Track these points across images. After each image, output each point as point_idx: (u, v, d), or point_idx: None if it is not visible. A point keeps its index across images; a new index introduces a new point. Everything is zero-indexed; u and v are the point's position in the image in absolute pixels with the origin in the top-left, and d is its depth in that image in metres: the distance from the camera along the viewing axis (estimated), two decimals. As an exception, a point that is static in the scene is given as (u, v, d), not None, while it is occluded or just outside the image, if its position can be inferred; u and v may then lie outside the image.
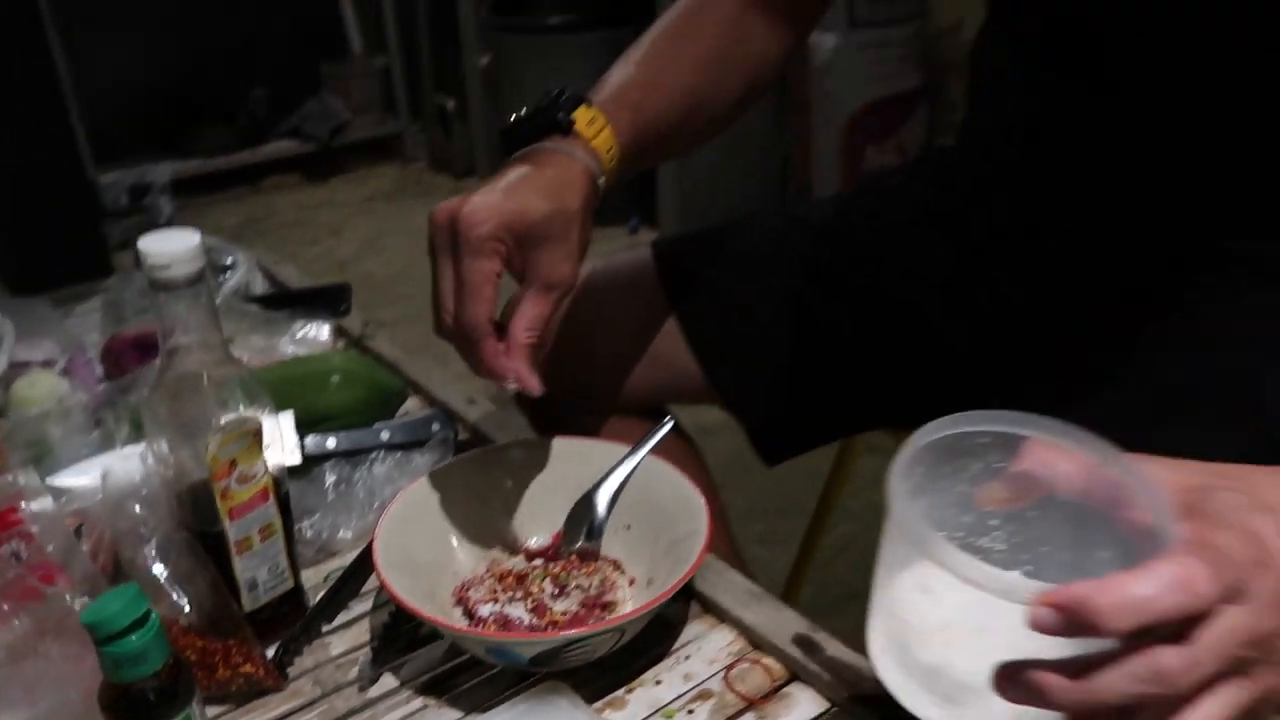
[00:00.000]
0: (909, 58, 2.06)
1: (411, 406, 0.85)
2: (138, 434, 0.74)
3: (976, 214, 0.73)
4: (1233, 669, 0.34)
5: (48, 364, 0.91)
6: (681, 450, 0.83)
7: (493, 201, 0.56)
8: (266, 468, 0.57)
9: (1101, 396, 0.60)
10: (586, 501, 0.64)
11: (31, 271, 1.15)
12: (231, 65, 3.23)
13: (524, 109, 0.64)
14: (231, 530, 0.57)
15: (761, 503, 1.50)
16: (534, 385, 0.57)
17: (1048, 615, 0.33)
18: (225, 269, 1.10)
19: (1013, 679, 0.36)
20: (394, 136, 3.25)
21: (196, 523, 0.57)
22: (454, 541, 0.64)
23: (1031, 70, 0.68)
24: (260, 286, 1.12)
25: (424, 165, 3.17)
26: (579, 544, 0.64)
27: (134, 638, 0.45)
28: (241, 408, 0.56)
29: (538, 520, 0.66)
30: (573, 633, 0.52)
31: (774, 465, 0.84)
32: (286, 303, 1.03)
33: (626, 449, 0.65)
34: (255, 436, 0.56)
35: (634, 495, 0.63)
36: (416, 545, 0.61)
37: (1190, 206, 0.61)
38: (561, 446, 0.67)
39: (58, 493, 0.65)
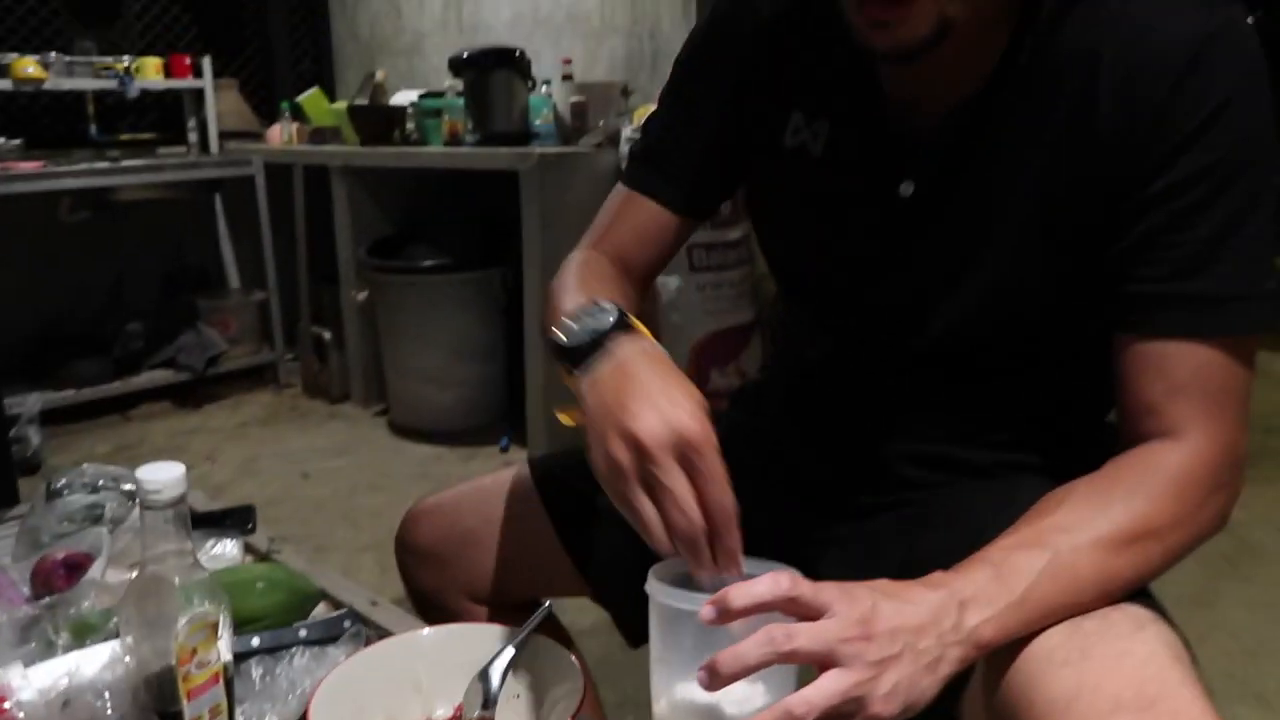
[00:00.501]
0: (742, 296, 2.39)
1: (322, 609, 0.97)
2: (78, 641, 0.84)
3: (776, 431, 0.96)
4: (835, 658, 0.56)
5: (-32, 588, 0.99)
6: (558, 634, 0.98)
7: (648, 420, 0.62)
8: (220, 655, 0.70)
9: (867, 557, 0.81)
10: (481, 677, 0.78)
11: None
12: (108, 300, 3.35)
13: (571, 326, 0.71)
14: (188, 709, 0.68)
15: (633, 696, 1.62)
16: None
17: (708, 610, 0.57)
18: (136, 495, 1.21)
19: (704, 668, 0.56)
20: (268, 365, 3.39)
21: (158, 704, 0.68)
22: (372, 718, 0.76)
23: (804, 325, 0.93)
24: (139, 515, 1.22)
25: (298, 391, 3.29)
26: (477, 714, 0.78)
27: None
28: (206, 604, 0.69)
29: (440, 696, 0.80)
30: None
31: (637, 647, 0.99)
32: (198, 523, 1.15)
33: (512, 632, 0.80)
34: (213, 628, 0.69)
35: (521, 668, 0.78)
36: (341, 720, 0.73)
37: (921, 426, 0.85)
38: (456, 633, 0.82)
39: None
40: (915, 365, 0.84)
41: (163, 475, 0.67)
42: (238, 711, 0.79)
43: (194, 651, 0.68)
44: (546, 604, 0.83)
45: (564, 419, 0.74)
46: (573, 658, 0.77)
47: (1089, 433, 0.87)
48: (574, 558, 0.98)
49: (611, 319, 0.70)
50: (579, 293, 0.78)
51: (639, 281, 0.92)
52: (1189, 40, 0.67)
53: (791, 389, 0.97)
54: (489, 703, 0.77)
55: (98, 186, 3.02)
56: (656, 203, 0.91)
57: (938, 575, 0.63)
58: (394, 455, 2.70)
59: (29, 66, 3.03)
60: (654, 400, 0.63)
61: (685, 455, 0.62)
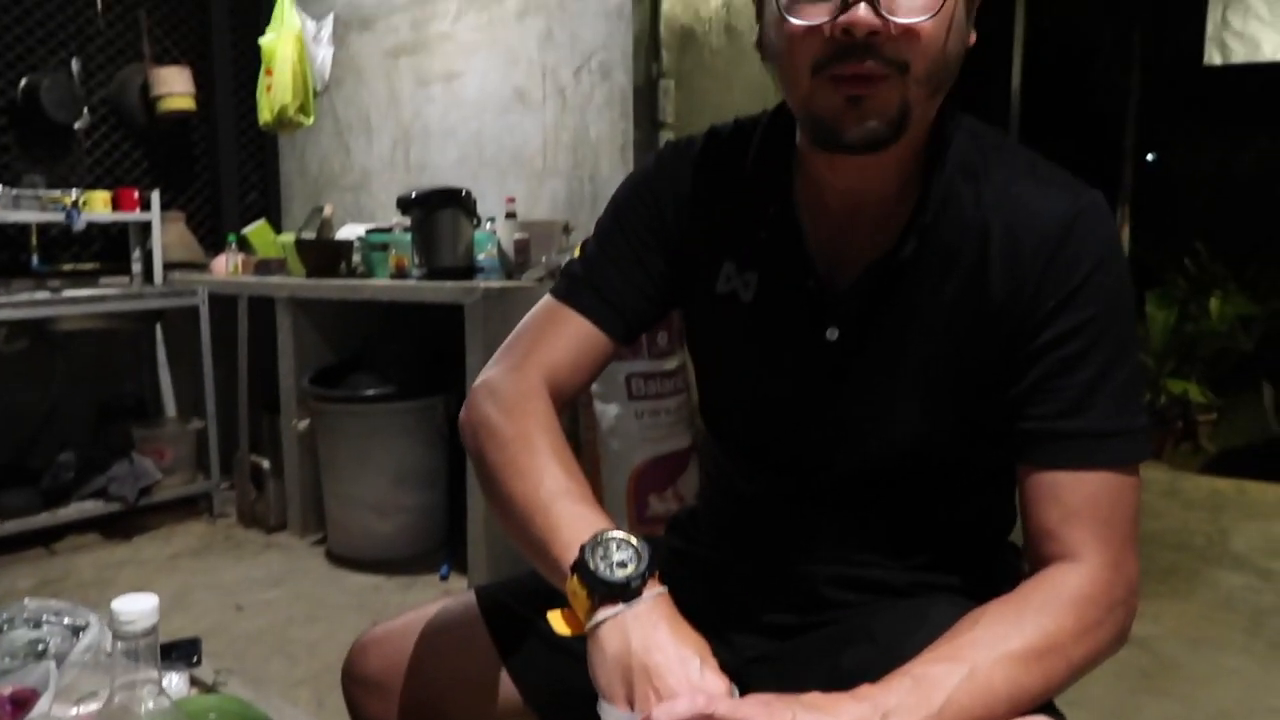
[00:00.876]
0: (679, 422, 2.48)
1: (271, 740, 0.98)
2: (27, 778, 0.84)
3: (711, 557, 1.02)
4: None
5: (-89, 726, 0.98)
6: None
7: (681, 693, 0.68)
8: (181, 783, 0.72)
9: (796, 674, 0.87)
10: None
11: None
12: (40, 429, 3.30)
13: (599, 563, 0.74)
14: (148, 839, 0.70)
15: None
16: None
17: None
18: (80, 629, 1.21)
19: None
20: (203, 495, 3.35)
21: (118, 835, 0.70)
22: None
23: (732, 456, 1.01)
24: (110, 644, 1.22)
25: (232, 521, 3.25)
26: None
27: None
28: (168, 732, 0.72)
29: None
30: None
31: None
32: (143, 657, 1.15)
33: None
34: (176, 755, 0.71)
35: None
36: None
37: (844, 550, 0.92)
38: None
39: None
40: (838, 495, 0.92)
41: (138, 606, 0.71)
42: (190, 844, 0.80)
43: (157, 780, 0.70)
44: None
45: (556, 625, 0.77)
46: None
47: (996, 552, 0.96)
48: (521, 687, 1.01)
49: (644, 566, 0.74)
50: (566, 479, 0.82)
51: (564, 405, 0.94)
52: (1061, 218, 0.80)
53: (722, 517, 1.05)
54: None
55: (37, 318, 3.02)
56: (591, 322, 0.94)
57: (863, 689, 0.70)
58: (331, 585, 2.68)
59: (-26, 198, 3.07)
60: (674, 669, 0.69)
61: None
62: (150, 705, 0.72)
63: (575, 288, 0.96)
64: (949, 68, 0.79)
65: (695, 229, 0.95)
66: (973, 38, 0.83)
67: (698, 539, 1.08)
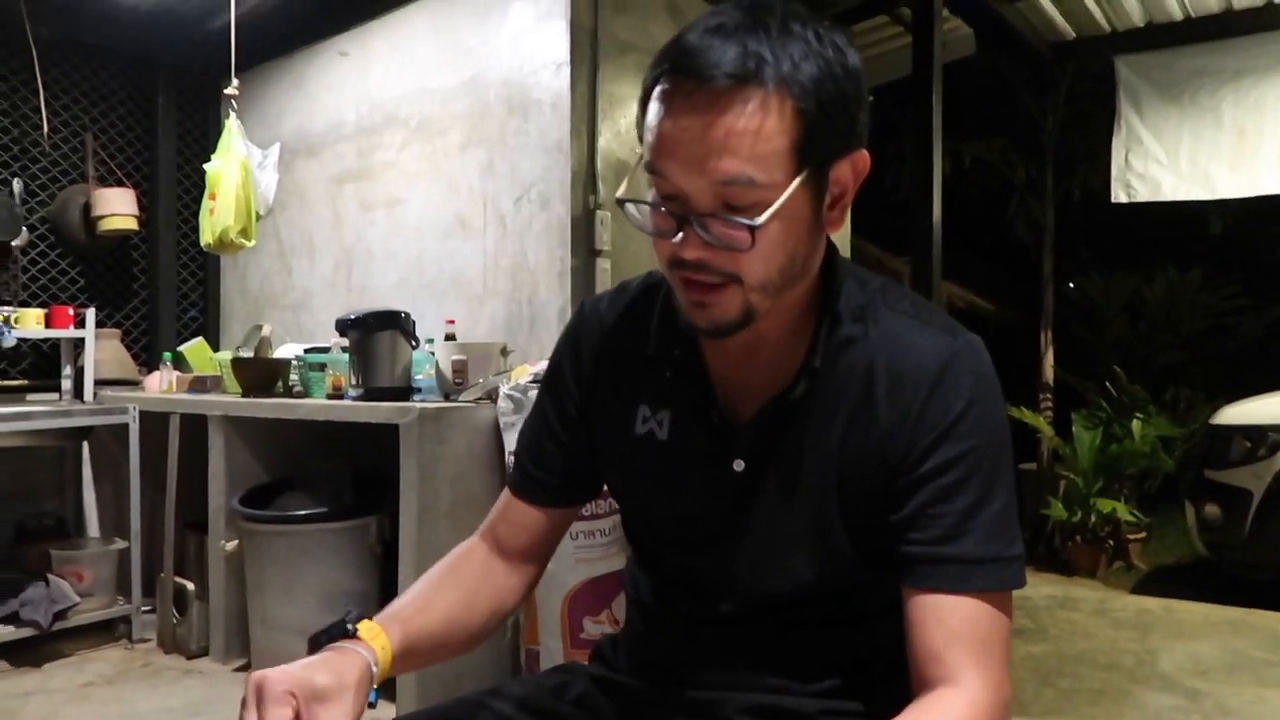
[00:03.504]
0: (613, 544, 2.49)
1: None
2: None
3: (630, 683, 1.04)
4: None
5: None
6: None
7: (289, 669, 0.80)
8: None
9: None
10: None
11: None
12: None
13: (326, 625, 0.90)
14: None
15: None
16: None
17: None
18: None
19: None
20: (121, 618, 3.22)
21: None
22: None
23: (650, 584, 1.04)
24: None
25: (152, 646, 3.12)
26: None
27: None
28: None
29: None
30: None
31: None
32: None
33: None
34: None
35: None
36: None
37: (755, 677, 0.95)
38: None
39: None
40: (748, 620, 0.96)
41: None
42: None
43: None
44: None
45: None
46: None
47: (904, 677, 0.99)
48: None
49: (336, 632, 0.89)
50: (407, 594, 1.01)
51: (525, 561, 1.09)
52: (940, 355, 0.88)
53: (641, 642, 1.07)
54: None
55: (-43, 434, 2.95)
56: (529, 504, 1.07)
57: None
58: (252, 716, 2.57)
59: (-97, 314, 3.04)
60: (294, 664, 0.82)
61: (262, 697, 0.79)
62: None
63: (514, 477, 1.10)
64: (791, 268, 0.86)
65: (612, 376, 1.03)
66: (864, 163, 0.88)
67: (618, 666, 1.10)
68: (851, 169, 0.87)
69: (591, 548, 2.45)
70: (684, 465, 0.98)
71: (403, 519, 2.49)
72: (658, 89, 0.82)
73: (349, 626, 0.89)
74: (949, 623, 0.83)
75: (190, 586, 3.06)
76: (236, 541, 2.90)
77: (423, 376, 2.85)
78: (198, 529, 3.11)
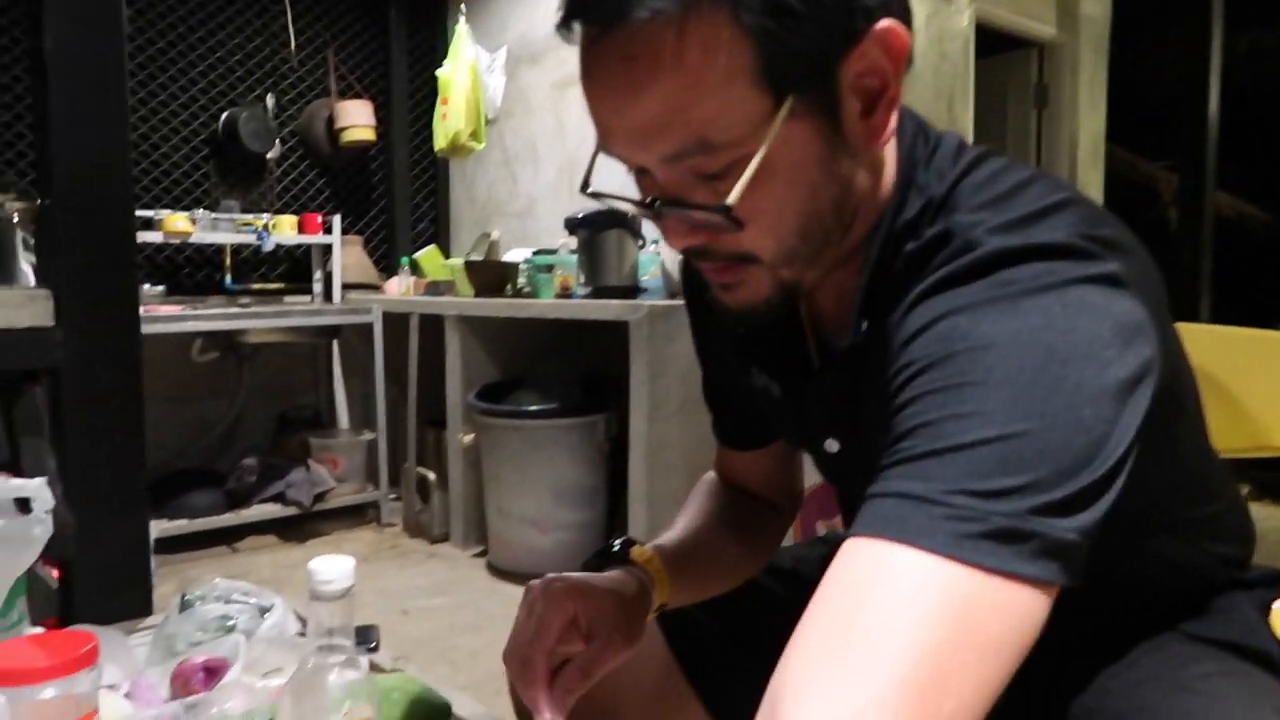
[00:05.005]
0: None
1: (448, 727, 0.96)
2: (219, 742, 0.85)
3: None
4: None
5: (112, 688, 1.02)
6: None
7: (569, 577, 0.76)
8: (370, 753, 0.70)
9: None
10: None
11: (86, 613, 1.28)
12: (226, 436, 3.51)
13: (596, 550, 0.87)
14: (337, 807, 0.68)
15: None
16: (555, 712, 0.70)
17: None
18: (266, 610, 1.24)
19: None
20: (371, 504, 3.47)
21: (309, 799, 0.68)
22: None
23: None
24: (294, 626, 1.25)
25: (398, 530, 3.35)
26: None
27: None
28: (362, 701, 0.70)
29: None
30: None
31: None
32: (324, 640, 1.16)
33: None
34: (366, 724, 0.70)
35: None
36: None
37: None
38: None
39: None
40: None
41: (335, 567, 0.69)
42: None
43: (348, 746, 0.68)
44: (684, 727, 0.81)
45: None
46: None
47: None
48: (700, 690, 0.96)
49: (607, 555, 0.85)
50: (671, 528, 0.93)
51: (770, 493, 0.99)
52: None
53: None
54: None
55: (228, 330, 3.22)
56: (735, 450, 0.98)
57: None
58: (492, 596, 2.70)
59: (179, 221, 3.32)
60: (575, 574, 0.78)
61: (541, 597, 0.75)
62: (342, 674, 0.70)
63: (712, 419, 1.00)
64: (815, 224, 0.66)
65: (720, 340, 0.90)
66: (891, 124, 0.65)
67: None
68: (883, 51, 0.62)
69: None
70: (795, 434, 0.88)
71: (633, 416, 2.48)
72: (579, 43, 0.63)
73: (618, 549, 0.84)
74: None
75: (431, 476, 3.23)
76: (473, 435, 3.02)
77: (649, 277, 2.81)
78: (436, 424, 3.27)
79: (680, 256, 0.89)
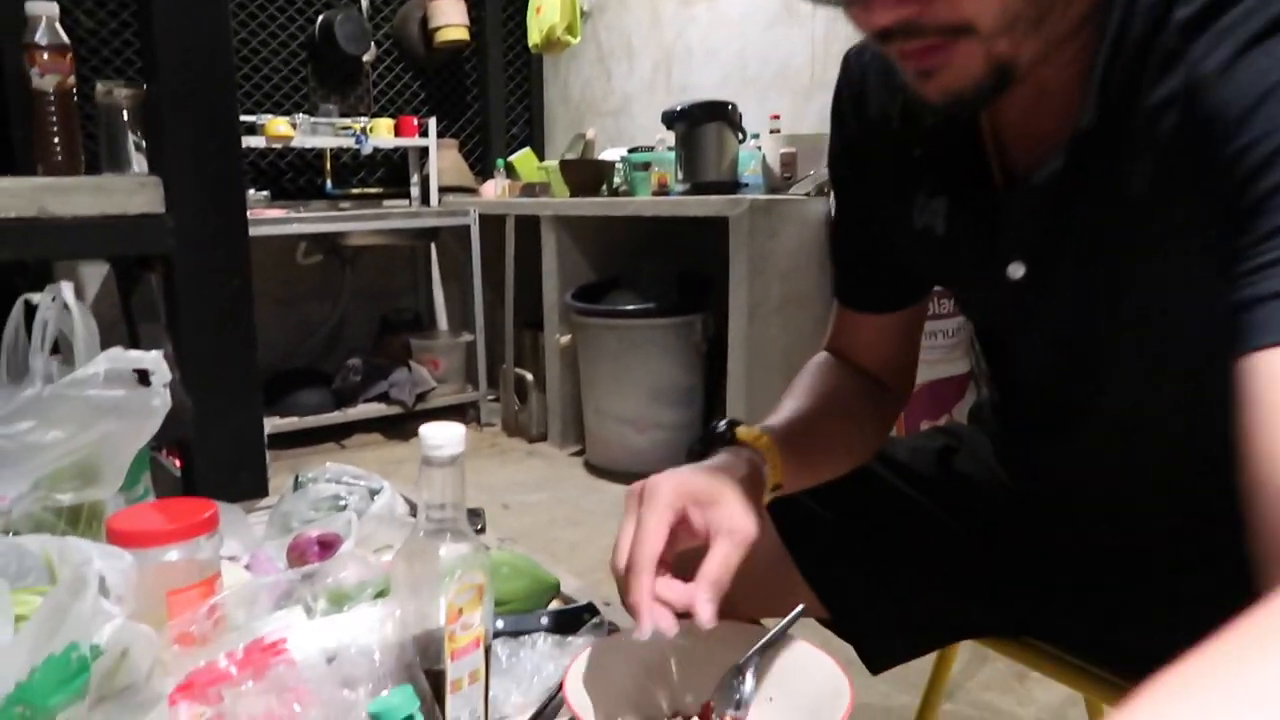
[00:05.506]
0: (957, 346, 2.29)
1: (556, 605, 0.96)
2: (335, 608, 0.87)
3: (1030, 462, 0.89)
4: None
5: (233, 559, 1.05)
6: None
7: (673, 474, 0.69)
8: (482, 619, 0.69)
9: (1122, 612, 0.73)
10: (734, 675, 0.74)
11: (206, 495, 1.33)
12: (332, 338, 3.60)
13: (700, 435, 0.81)
14: (450, 669, 0.68)
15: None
16: (707, 616, 0.64)
17: None
18: (375, 492, 1.26)
19: None
20: (471, 404, 3.53)
21: (424, 662, 0.68)
22: (614, 707, 0.74)
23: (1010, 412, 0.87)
24: (401, 508, 1.27)
25: (497, 430, 3.41)
26: (728, 714, 0.74)
27: (407, 729, 0.56)
28: (474, 568, 0.69)
29: (689, 690, 0.76)
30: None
31: (877, 673, 0.93)
32: (432, 521, 1.18)
33: (765, 630, 0.76)
34: (478, 591, 0.69)
35: (778, 671, 0.74)
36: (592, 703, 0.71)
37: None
38: (712, 628, 0.78)
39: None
40: (1075, 434, 0.78)
41: (445, 432, 0.68)
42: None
43: (460, 612, 0.68)
44: (800, 607, 0.78)
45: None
46: (835, 663, 0.72)
47: None
48: (812, 584, 0.93)
49: (712, 438, 0.78)
50: (785, 404, 0.86)
51: (886, 371, 0.92)
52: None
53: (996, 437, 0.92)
54: (741, 703, 0.73)
55: (330, 232, 3.28)
56: (859, 312, 0.91)
57: None
58: (590, 493, 2.73)
59: (280, 125, 3.35)
60: (681, 469, 0.70)
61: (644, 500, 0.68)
62: (454, 543, 0.69)
63: (838, 284, 0.94)
64: None
65: (882, 169, 0.81)
66: None
67: (1007, 438, 0.96)
68: None
69: (931, 349, 2.27)
70: (964, 268, 0.78)
71: (732, 314, 2.44)
72: None
73: (724, 430, 0.77)
74: None
75: (529, 377, 3.26)
76: (569, 336, 3.02)
77: (749, 173, 2.73)
78: (533, 326, 3.29)
79: (841, 70, 0.84)
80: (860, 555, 0.93)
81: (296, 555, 1.02)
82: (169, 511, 0.83)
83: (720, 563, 0.65)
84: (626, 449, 2.84)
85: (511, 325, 3.34)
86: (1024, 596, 0.89)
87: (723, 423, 0.79)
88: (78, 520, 0.85)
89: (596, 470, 2.91)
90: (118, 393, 0.83)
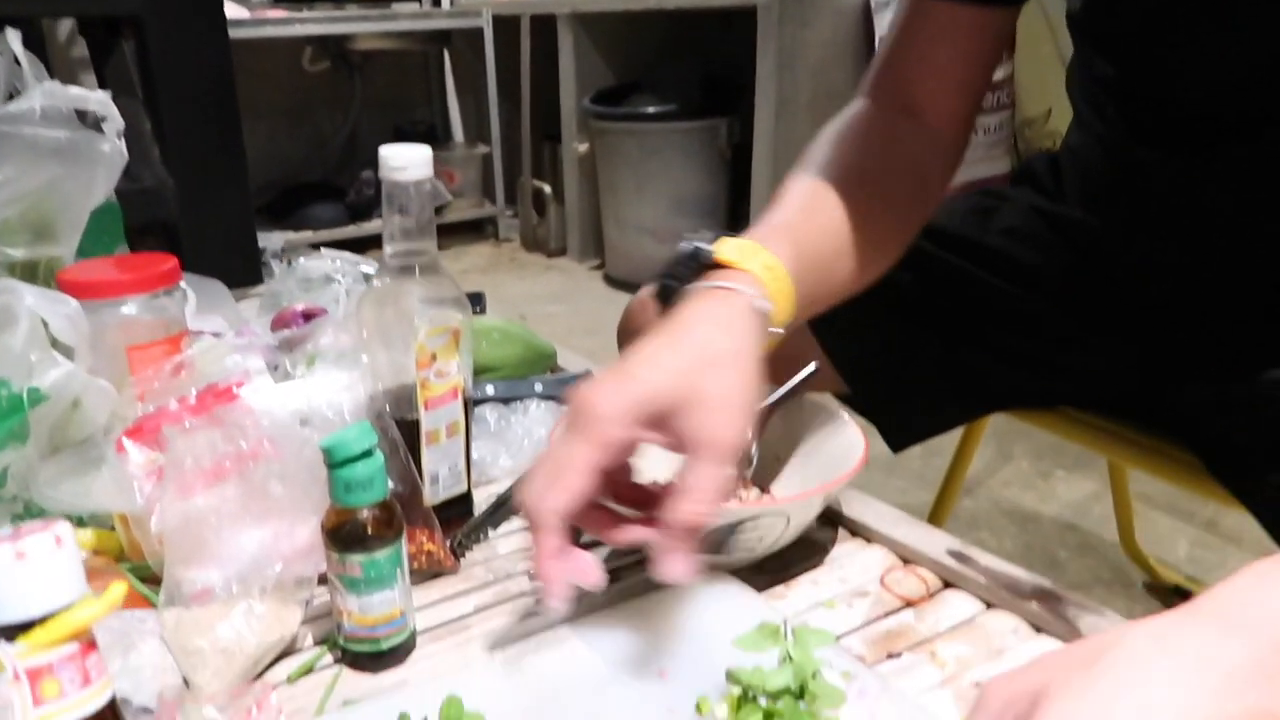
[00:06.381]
0: (998, 144, 2.14)
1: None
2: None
3: (1083, 220, 0.79)
4: None
5: (216, 335, 1.00)
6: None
7: (615, 381, 0.47)
8: (459, 368, 0.63)
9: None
10: (738, 434, 0.68)
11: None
12: (344, 151, 3.48)
13: (671, 259, 0.58)
14: (425, 419, 0.62)
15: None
16: (677, 572, 0.45)
17: None
18: (370, 276, 1.20)
19: None
20: (489, 219, 3.44)
21: (396, 411, 0.62)
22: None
23: (1108, 101, 0.73)
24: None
25: (516, 245, 3.32)
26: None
27: (362, 465, 0.51)
28: (448, 311, 0.62)
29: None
30: (746, 508, 0.55)
31: (899, 450, 0.87)
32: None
33: (772, 389, 0.69)
34: (454, 336, 0.62)
35: (786, 430, 0.68)
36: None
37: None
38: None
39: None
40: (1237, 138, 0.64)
41: (409, 153, 0.60)
42: (472, 448, 0.73)
43: (433, 358, 0.61)
44: (812, 365, 0.71)
45: None
46: (847, 416, 0.65)
47: None
48: (830, 355, 0.86)
49: (702, 256, 0.55)
50: (796, 185, 0.64)
51: (948, 117, 0.70)
52: None
53: (1097, 172, 0.79)
54: (744, 462, 0.67)
55: (336, 35, 3.10)
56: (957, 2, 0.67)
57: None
58: (609, 304, 2.67)
59: (279, -84, 3.12)
60: (629, 361, 0.49)
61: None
62: (426, 279, 0.62)
63: None
64: None
65: None
66: None
67: (1061, 195, 0.84)
68: None
69: (973, 147, 2.12)
70: None
71: (758, 113, 2.29)
72: None
73: (704, 251, 0.54)
74: None
75: (547, 189, 3.15)
76: (588, 144, 2.88)
77: (779, -41, 2.51)
78: (551, 138, 3.14)
79: None
80: (884, 323, 0.85)
81: (279, 326, 0.96)
82: (126, 264, 0.77)
83: (698, 490, 0.45)
84: (647, 260, 2.75)
85: (529, 136, 3.20)
86: (1069, 361, 0.80)
87: (697, 242, 0.56)
88: (34, 279, 0.78)
89: (616, 283, 2.84)
90: (60, 133, 0.75)
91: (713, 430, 0.46)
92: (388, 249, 0.62)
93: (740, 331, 0.50)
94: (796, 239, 0.58)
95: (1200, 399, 0.74)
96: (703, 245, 0.55)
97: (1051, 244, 0.83)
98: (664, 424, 0.47)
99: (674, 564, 0.45)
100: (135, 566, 0.59)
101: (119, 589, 0.31)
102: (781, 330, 0.54)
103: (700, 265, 0.55)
